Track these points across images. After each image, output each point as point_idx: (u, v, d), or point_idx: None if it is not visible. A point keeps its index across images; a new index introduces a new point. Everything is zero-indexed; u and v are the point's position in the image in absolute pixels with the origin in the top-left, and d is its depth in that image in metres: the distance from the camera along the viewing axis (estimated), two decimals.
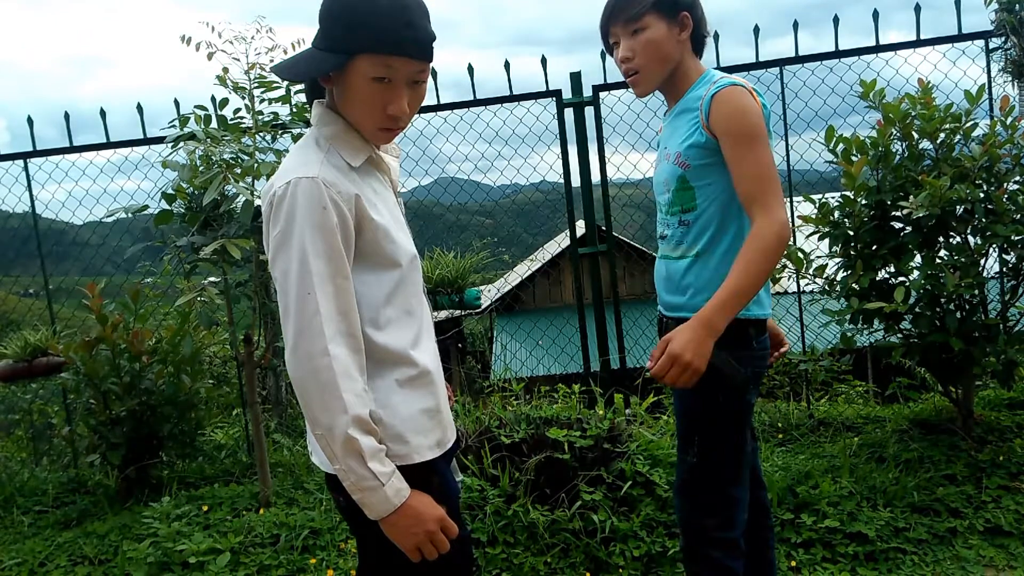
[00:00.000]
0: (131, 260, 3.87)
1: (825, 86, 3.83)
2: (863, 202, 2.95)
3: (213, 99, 3.58)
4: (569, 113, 3.85)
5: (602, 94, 3.81)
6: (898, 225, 2.98)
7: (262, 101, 3.03)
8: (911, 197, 2.74)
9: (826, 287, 3.11)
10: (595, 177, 3.89)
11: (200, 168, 2.84)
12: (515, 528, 2.68)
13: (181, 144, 2.86)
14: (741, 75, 2.09)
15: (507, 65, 4.03)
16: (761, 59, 3.78)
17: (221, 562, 2.70)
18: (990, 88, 3.54)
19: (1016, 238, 2.82)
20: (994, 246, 2.93)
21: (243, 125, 3.03)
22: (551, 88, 3.87)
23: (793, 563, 2.61)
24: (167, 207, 3.09)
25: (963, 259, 2.83)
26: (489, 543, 2.64)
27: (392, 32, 1.24)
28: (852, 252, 3.00)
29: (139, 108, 4.03)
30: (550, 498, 2.75)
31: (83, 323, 3.93)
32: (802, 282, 3.32)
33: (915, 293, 2.87)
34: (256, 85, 2.99)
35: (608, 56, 1.92)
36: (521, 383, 3.50)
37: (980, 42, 3.64)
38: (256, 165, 2.84)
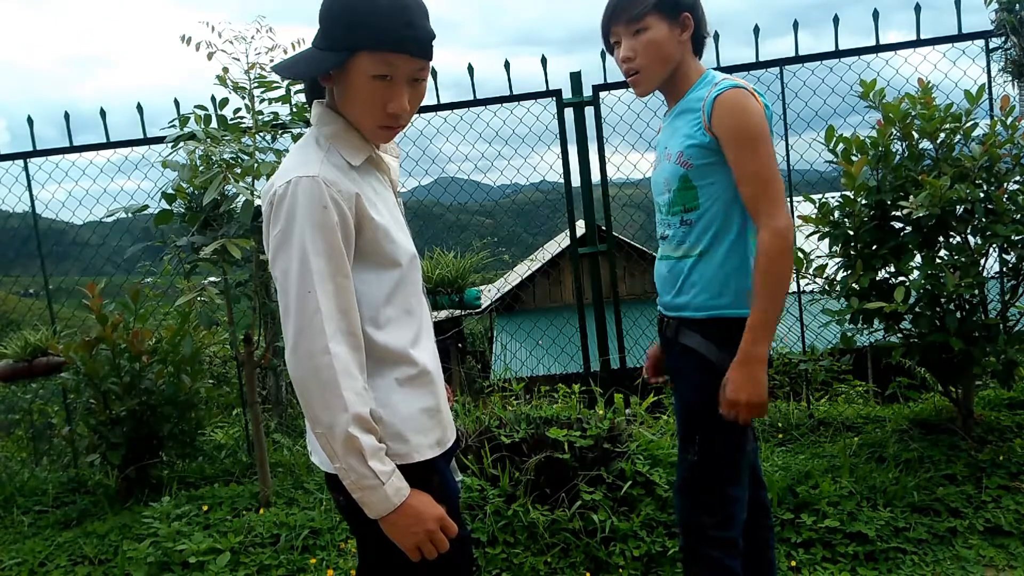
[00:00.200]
0: (131, 260, 3.88)
1: (825, 86, 3.83)
2: (863, 202, 2.95)
3: (213, 99, 3.58)
4: (569, 113, 3.85)
5: (602, 94, 3.81)
6: (898, 225, 2.98)
7: (262, 101, 3.03)
8: (911, 197, 2.74)
9: (826, 287, 3.11)
10: (595, 177, 3.89)
11: (200, 168, 2.84)
12: (515, 528, 2.68)
13: (181, 144, 2.86)
14: (741, 75, 2.10)
15: (507, 65, 4.03)
16: (761, 59, 3.78)
17: (221, 562, 2.70)
18: (990, 88, 3.55)
19: (1016, 238, 2.82)
20: (994, 246, 2.93)
21: (243, 125, 3.03)
22: (551, 88, 3.87)
23: (793, 563, 2.61)
24: (167, 207, 3.09)
25: (963, 259, 2.83)
26: (489, 543, 2.64)
27: (392, 30, 1.24)
28: (852, 252, 3.00)
29: (139, 108, 4.03)
30: (550, 498, 2.75)
31: (83, 323, 3.93)
32: (802, 282, 3.33)
33: (915, 293, 2.87)
34: (256, 85, 2.99)
35: (608, 56, 1.92)
36: (521, 383, 3.50)
37: (980, 42, 3.64)
38: (256, 165, 2.84)
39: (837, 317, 3.05)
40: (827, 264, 3.09)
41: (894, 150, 2.98)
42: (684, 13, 1.74)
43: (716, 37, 3.84)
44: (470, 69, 3.83)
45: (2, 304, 8.82)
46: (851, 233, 2.98)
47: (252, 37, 2.95)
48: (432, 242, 4.61)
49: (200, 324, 3.24)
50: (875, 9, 3.71)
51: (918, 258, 2.89)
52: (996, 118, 2.88)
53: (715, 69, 1.84)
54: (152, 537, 2.88)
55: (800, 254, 3.08)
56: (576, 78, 3.86)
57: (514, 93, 3.89)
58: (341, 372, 1.21)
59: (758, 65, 3.76)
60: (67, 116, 4.00)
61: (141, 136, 3.96)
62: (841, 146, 2.97)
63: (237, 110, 3.08)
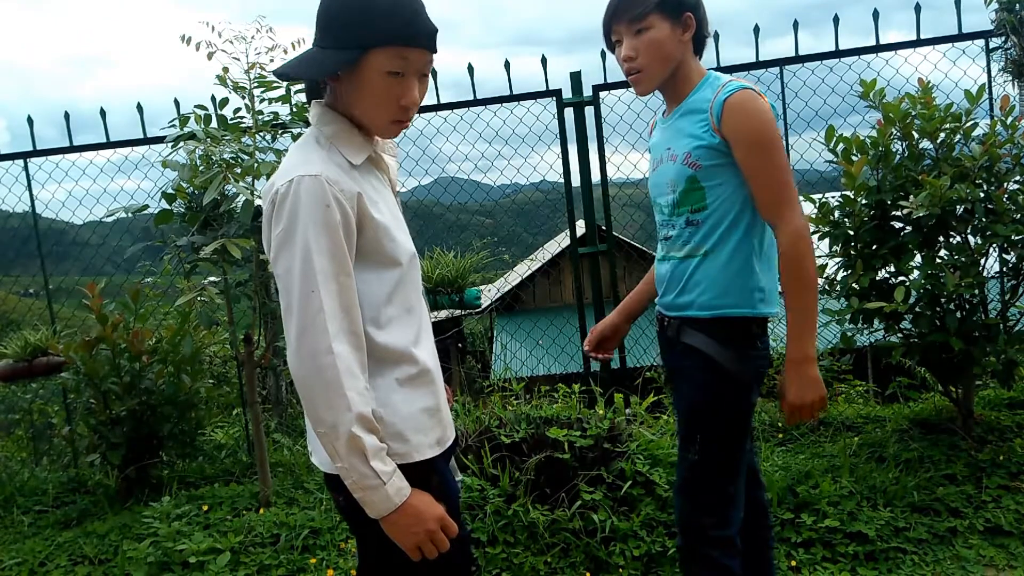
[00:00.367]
0: (131, 260, 3.87)
1: (825, 86, 3.84)
2: (863, 202, 2.95)
3: (213, 99, 3.58)
4: (569, 113, 3.85)
5: (602, 94, 3.81)
6: (898, 225, 2.98)
7: (262, 101, 3.03)
8: (911, 197, 2.74)
9: (826, 287, 3.11)
10: (595, 177, 3.89)
11: (200, 168, 2.84)
12: (515, 528, 2.68)
13: (181, 144, 2.86)
14: (741, 75, 2.10)
15: (507, 65, 4.03)
16: (761, 59, 3.79)
17: (221, 562, 2.70)
18: (990, 88, 3.55)
19: (1016, 238, 2.82)
20: (994, 246, 2.93)
21: (243, 125, 3.03)
22: (551, 88, 3.87)
23: (793, 563, 2.61)
24: (167, 207, 3.09)
25: (963, 259, 2.83)
26: (489, 543, 2.64)
27: (405, 25, 1.25)
28: (852, 252, 3.00)
29: (139, 108, 4.03)
30: (550, 498, 2.75)
31: (83, 323, 3.93)
32: None
33: (915, 293, 2.87)
34: (256, 85, 2.99)
35: (609, 55, 1.92)
36: (521, 383, 3.50)
37: (980, 42, 3.64)
38: (256, 165, 2.84)
39: (837, 317, 3.05)
40: (827, 264, 3.09)
41: (894, 150, 2.98)
42: (686, 13, 1.74)
43: (716, 37, 3.84)
44: (470, 69, 3.83)
45: (2, 304, 8.81)
46: (851, 233, 2.98)
47: (252, 37, 2.95)
48: (432, 242, 4.61)
49: (200, 324, 3.24)
50: (875, 9, 3.71)
51: (918, 258, 2.89)
52: (996, 118, 2.88)
53: (715, 69, 1.84)
54: (152, 537, 2.88)
55: None
56: (576, 78, 3.86)
57: (514, 93, 3.90)
58: (344, 372, 1.21)
59: (758, 65, 3.77)
60: (67, 116, 4.00)
61: (141, 136, 3.96)
62: (841, 146, 2.97)
63: (237, 110, 3.08)
